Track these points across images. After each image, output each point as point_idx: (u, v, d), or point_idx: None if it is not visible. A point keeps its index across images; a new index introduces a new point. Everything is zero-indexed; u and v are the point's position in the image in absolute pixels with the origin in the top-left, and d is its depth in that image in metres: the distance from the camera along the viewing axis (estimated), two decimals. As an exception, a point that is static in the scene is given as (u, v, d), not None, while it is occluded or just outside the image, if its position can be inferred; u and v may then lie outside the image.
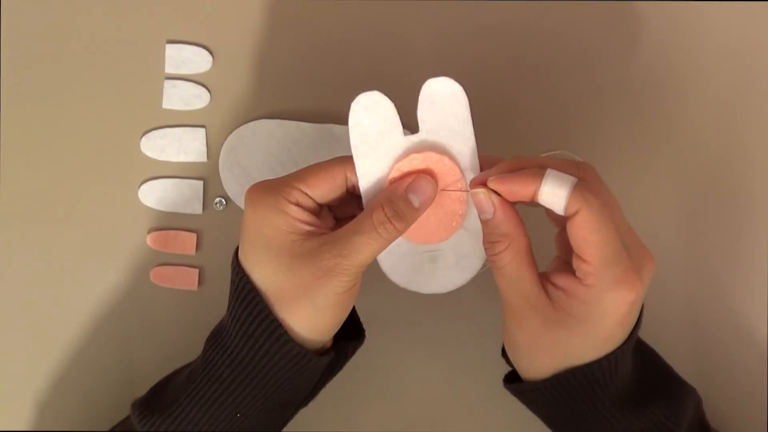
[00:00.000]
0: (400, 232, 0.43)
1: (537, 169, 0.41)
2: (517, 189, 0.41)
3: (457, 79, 0.44)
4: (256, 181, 0.45)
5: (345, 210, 0.47)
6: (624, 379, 0.44)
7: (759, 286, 0.56)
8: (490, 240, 0.43)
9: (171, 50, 0.58)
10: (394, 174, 0.44)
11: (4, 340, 0.56)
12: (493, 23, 0.59)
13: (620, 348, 0.42)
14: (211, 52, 0.58)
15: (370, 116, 0.44)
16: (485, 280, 0.46)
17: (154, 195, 0.57)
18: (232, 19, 0.59)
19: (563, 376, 0.42)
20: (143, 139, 0.58)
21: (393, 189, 0.43)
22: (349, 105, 0.44)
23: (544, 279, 0.43)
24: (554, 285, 0.42)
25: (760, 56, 0.58)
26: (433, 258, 0.45)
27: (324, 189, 0.44)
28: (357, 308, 0.48)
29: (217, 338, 0.46)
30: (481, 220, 0.43)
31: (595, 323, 0.41)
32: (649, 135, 0.58)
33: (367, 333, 0.49)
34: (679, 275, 0.57)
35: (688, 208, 0.57)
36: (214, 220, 0.57)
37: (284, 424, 0.49)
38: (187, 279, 0.57)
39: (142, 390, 0.49)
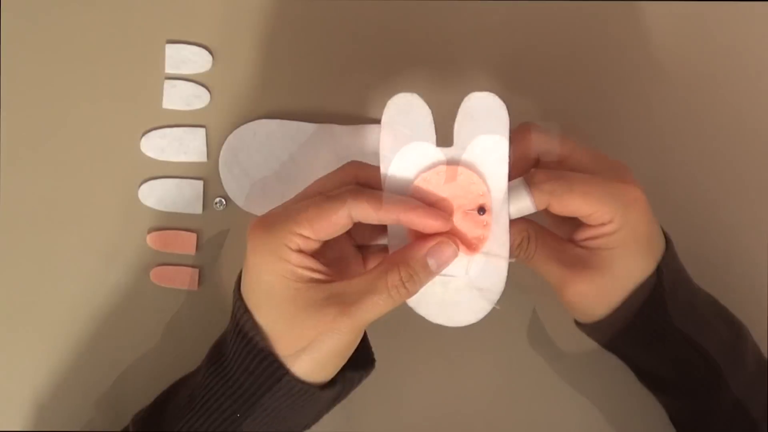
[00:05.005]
0: (411, 295, 0.42)
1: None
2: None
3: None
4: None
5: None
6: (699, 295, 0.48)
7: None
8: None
9: (171, 50, 0.58)
10: (419, 183, 0.43)
11: (4, 340, 0.56)
12: (493, 23, 0.59)
13: (669, 249, 0.46)
14: (211, 52, 0.58)
15: (405, 118, 0.42)
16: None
17: (154, 195, 0.57)
18: (232, 19, 0.59)
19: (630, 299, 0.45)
20: (143, 139, 0.58)
21: (412, 251, 0.42)
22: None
23: (569, 247, 0.46)
24: (579, 241, 0.45)
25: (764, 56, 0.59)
26: (456, 288, 0.44)
27: (327, 231, 0.42)
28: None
29: (217, 364, 0.45)
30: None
31: (636, 236, 0.44)
32: (651, 135, 0.58)
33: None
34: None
35: (692, 206, 0.57)
36: (214, 220, 0.57)
37: None
38: (187, 279, 0.57)
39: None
